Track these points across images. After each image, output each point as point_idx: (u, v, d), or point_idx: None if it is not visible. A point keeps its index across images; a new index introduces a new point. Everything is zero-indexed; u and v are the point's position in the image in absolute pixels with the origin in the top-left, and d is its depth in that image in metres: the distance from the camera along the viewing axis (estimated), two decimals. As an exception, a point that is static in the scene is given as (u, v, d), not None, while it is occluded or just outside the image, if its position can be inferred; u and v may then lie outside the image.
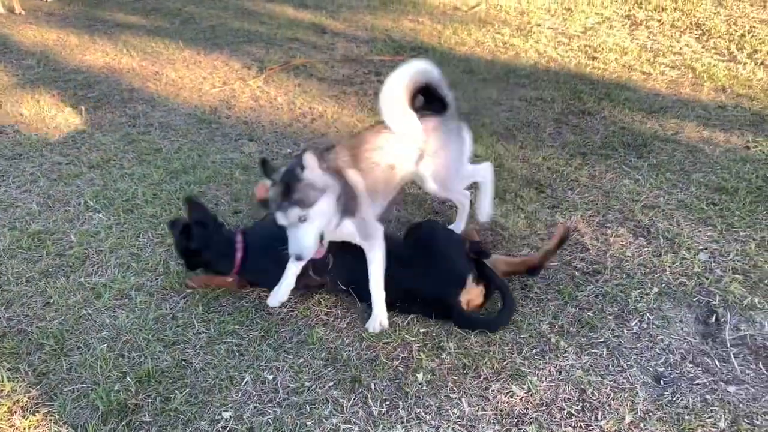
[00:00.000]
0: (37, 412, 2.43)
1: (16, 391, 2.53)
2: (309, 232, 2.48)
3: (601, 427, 2.26)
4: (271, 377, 2.54)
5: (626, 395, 2.37)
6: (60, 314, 2.94)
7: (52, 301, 3.02)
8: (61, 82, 5.90)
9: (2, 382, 2.56)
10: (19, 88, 5.75)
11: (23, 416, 2.42)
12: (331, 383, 2.50)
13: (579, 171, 3.91)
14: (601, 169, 3.93)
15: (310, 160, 2.46)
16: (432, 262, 2.76)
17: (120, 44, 6.93)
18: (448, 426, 2.29)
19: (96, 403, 2.44)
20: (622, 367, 2.51)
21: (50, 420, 2.40)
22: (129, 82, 5.85)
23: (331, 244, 2.76)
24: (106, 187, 3.98)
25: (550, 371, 2.50)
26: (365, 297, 2.81)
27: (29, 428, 2.36)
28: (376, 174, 2.83)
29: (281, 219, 2.49)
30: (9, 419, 2.41)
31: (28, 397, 2.50)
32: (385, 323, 2.76)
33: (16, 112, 5.21)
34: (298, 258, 2.52)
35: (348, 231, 2.72)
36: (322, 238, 2.57)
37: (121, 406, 2.43)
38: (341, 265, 2.89)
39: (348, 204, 2.65)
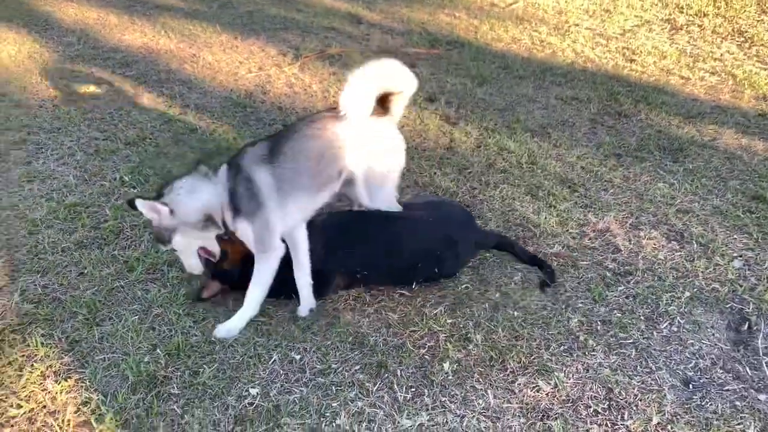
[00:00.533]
0: (69, 377, 2.49)
1: (49, 356, 2.58)
2: (186, 257, 2.80)
3: (627, 426, 2.24)
4: (298, 357, 2.57)
5: (654, 397, 2.36)
6: (93, 285, 2.99)
7: (86, 271, 3.08)
8: (100, 59, 5.98)
9: (36, 347, 2.61)
10: (59, 64, 5.85)
11: (56, 381, 2.47)
12: (357, 367, 2.52)
13: (613, 172, 3.88)
14: (635, 171, 3.89)
15: (142, 208, 2.65)
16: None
17: (158, 26, 7.00)
18: (473, 416, 2.30)
19: (126, 372, 2.49)
20: (651, 368, 2.49)
21: (81, 386, 2.45)
22: (166, 63, 5.92)
23: None
24: (141, 164, 4.04)
25: (577, 368, 2.49)
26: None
27: (61, 393, 2.42)
28: (300, 166, 2.81)
29: (161, 248, 2.83)
30: (42, 383, 2.46)
31: (61, 363, 2.55)
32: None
33: (56, 87, 5.30)
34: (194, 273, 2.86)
35: (243, 234, 2.76)
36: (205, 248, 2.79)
37: (151, 377, 2.47)
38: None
39: (242, 204, 2.71)
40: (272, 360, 2.55)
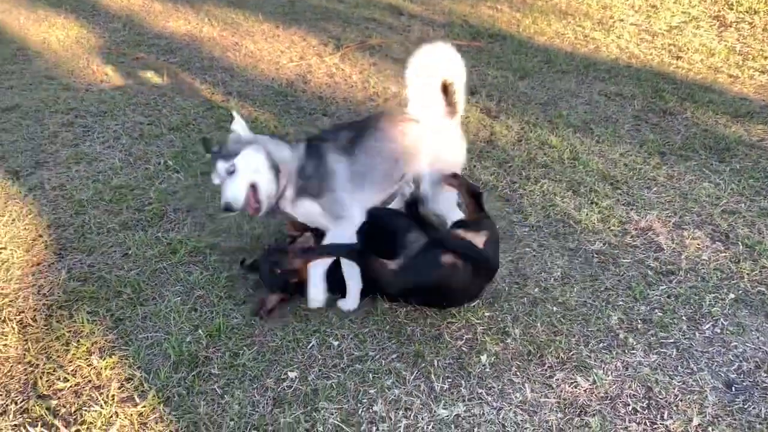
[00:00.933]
0: (114, 354, 2.55)
1: (94, 333, 2.66)
2: (236, 182, 2.64)
3: (666, 426, 2.22)
4: (336, 343, 2.59)
5: (695, 398, 2.32)
6: (137, 265, 3.06)
7: (130, 252, 3.15)
8: (144, 46, 6.09)
9: (83, 323, 2.69)
10: (105, 49, 5.97)
11: (101, 357, 2.54)
12: (394, 355, 2.53)
13: (657, 170, 3.81)
14: (680, 170, 3.82)
15: (237, 119, 2.78)
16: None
17: (202, 14, 7.09)
18: (510, 409, 2.29)
19: (168, 351, 2.55)
20: (692, 369, 2.45)
21: (125, 363, 2.51)
22: (209, 50, 5.99)
23: None
24: (185, 149, 4.10)
25: (616, 366, 2.46)
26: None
27: (105, 369, 2.48)
28: (376, 164, 2.86)
29: (214, 178, 2.74)
30: (87, 359, 2.53)
31: (105, 340, 2.62)
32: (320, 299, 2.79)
33: (102, 71, 5.42)
34: (227, 209, 2.65)
35: (307, 210, 2.79)
36: (255, 191, 2.69)
37: (192, 357, 2.52)
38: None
39: (310, 185, 2.76)
40: (310, 345, 2.58)
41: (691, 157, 3.96)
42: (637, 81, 5.13)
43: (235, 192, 2.64)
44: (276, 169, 2.72)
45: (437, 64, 2.88)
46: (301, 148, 2.84)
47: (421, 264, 2.55)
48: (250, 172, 2.67)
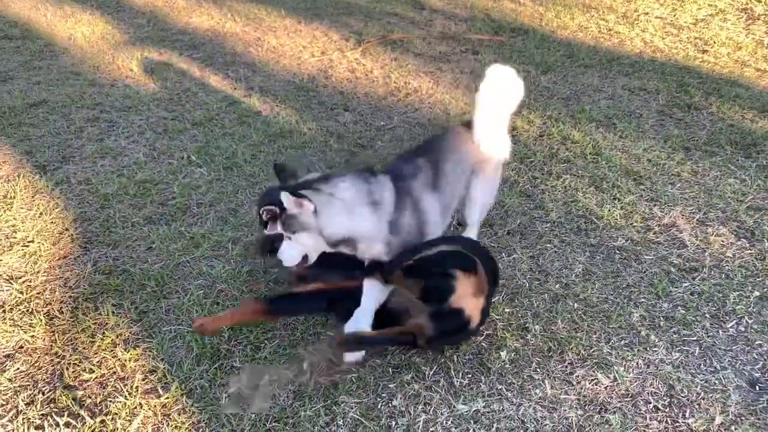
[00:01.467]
0: (138, 346, 2.59)
1: (119, 325, 2.70)
2: (292, 249, 2.39)
3: (688, 424, 2.20)
4: (356, 338, 2.60)
5: (718, 396, 2.30)
6: (161, 259, 3.10)
7: (154, 246, 3.19)
8: (168, 41, 6.15)
9: (108, 315, 2.73)
10: (130, 45, 6.04)
11: (125, 349, 2.58)
12: (413, 350, 2.54)
13: (681, 166, 3.76)
14: (704, 165, 3.77)
15: (285, 200, 2.25)
16: None
17: (225, 9, 7.14)
18: (530, 405, 2.29)
19: (191, 344, 2.58)
20: (715, 368, 2.42)
21: (149, 355, 2.55)
22: (232, 46, 6.04)
23: None
24: (208, 144, 4.14)
25: (638, 363, 2.45)
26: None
27: (130, 360, 2.52)
28: (455, 192, 2.71)
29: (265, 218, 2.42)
30: (112, 350, 2.58)
31: (130, 332, 2.66)
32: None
33: (127, 67, 5.49)
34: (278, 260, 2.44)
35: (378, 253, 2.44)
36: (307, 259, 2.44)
37: (214, 350, 2.55)
38: None
39: (402, 232, 2.40)
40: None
41: (717, 153, 3.90)
42: (662, 75, 5.06)
43: (288, 256, 2.41)
44: (348, 241, 2.37)
45: (506, 88, 2.78)
46: (389, 199, 2.39)
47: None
48: (308, 249, 2.41)
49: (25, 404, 2.34)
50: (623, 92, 4.81)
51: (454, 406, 2.29)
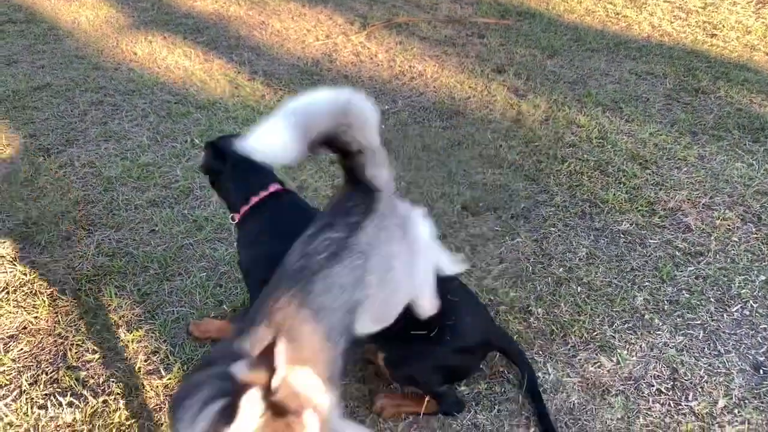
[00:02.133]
0: (140, 327, 2.60)
1: (122, 307, 2.70)
2: None
3: (691, 407, 2.19)
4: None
5: (721, 380, 2.29)
6: (164, 241, 3.10)
7: (157, 228, 3.19)
8: (172, 25, 6.11)
9: (110, 297, 2.74)
10: (134, 28, 6.01)
11: (128, 330, 2.59)
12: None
13: (688, 150, 3.73)
14: (711, 150, 3.73)
15: None
16: None
17: (229, -7, 7.09)
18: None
19: (193, 326, 2.58)
20: (719, 351, 2.41)
21: (151, 336, 2.56)
22: (236, 29, 6.00)
23: None
24: (211, 127, 4.13)
25: (641, 347, 2.44)
26: None
27: (132, 341, 2.53)
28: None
29: None
30: (115, 331, 2.58)
31: (132, 314, 2.67)
32: None
33: (131, 51, 5.46)
34: None
35: None
36: None
37: (217, 332, 2.55)
38: None
39: None
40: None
41: (724, 137, 3.86)
42: (670, 59, 5.01)
43: None
44: None
45: None
46: None
47: None
48: None
49: (29, 384, 2.36)
50: (630, 76, 4.76)
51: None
